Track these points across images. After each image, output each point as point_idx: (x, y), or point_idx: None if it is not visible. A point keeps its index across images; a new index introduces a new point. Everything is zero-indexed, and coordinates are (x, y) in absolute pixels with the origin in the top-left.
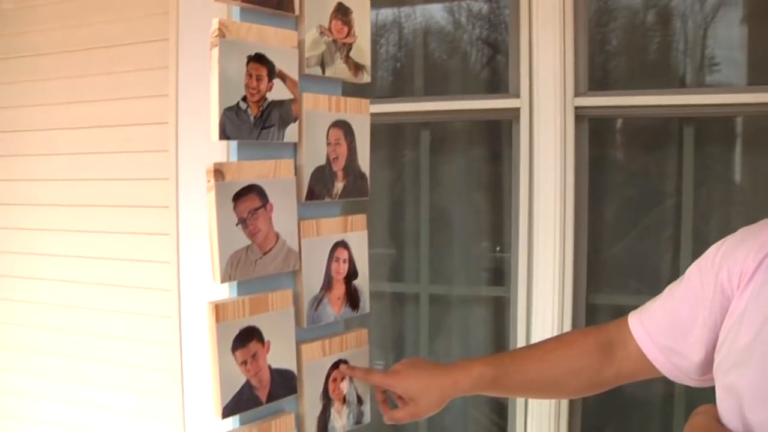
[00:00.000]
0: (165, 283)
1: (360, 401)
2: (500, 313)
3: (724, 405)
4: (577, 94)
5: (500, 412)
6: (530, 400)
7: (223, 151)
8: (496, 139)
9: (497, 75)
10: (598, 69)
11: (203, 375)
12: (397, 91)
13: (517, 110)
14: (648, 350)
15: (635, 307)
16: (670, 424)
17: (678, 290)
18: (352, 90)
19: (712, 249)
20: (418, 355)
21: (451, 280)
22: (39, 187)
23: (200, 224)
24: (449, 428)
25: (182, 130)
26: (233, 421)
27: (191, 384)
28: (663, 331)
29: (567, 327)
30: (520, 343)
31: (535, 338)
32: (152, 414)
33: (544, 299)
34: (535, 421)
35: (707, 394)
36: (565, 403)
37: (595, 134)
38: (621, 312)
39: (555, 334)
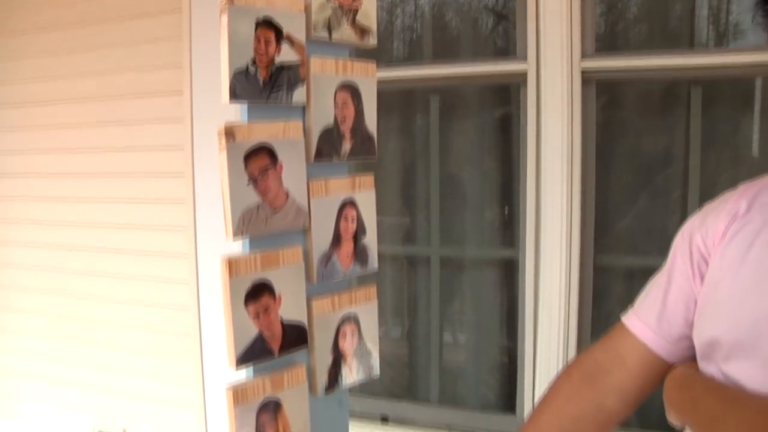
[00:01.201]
0: (182, 249)
1: (370, 355)
2: (510, 274)
3: (701, 361)
4: (584, 56)
5: (511, 377)
6: (538, 368)
7: (236, 119)
8: (505, 104)
9: (508, 43)
10: (614, 36)
11: (220, 337)
12: (407, 59)
13: (524, 74)
14: (654, 343)
15: (643, 269)
16: None
17: (663, 278)
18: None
19: (682, 228)
20: (430, 316)
21: (461, 242)
22: (59, 158)
23: (216, 190)
24: (460, 395)
25: (197, 99)
26: (247, 372)
27: (209, 346)
28: (663, 320)
29: (574, 288)
30: (529, 304)
31: (543, 299)
32: (172, 376)
33: (551, 260)
34: (543, 376)
35: None
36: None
37: (602, 97)
38: (629, 273)
39: (562, 295)
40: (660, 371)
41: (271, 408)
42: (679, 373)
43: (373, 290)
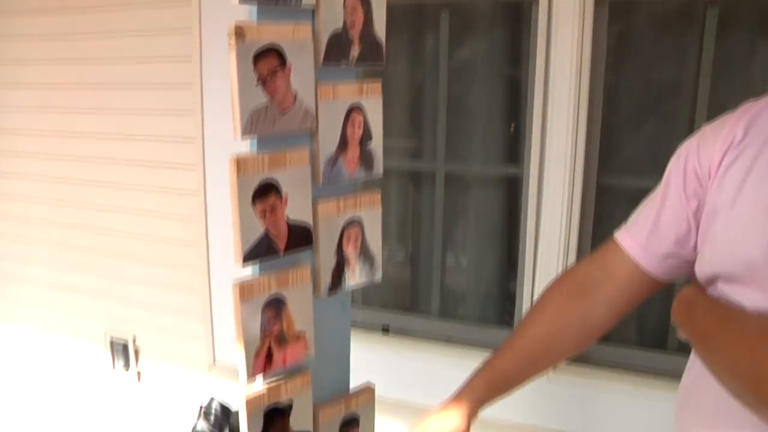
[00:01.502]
0: (191, 160)
1: (372, 260)
2: (513, 192)
3: (706, 284)
4: None
5: (510, 293)
6: (537, 284)
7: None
8: (516, 22)
9: None
10: None
11: (226, 246)
12: None
13: None
14: (643, 260)
15: (643, 189)
16: None
17: (657, 197)
18: None
19: (679, 149)
20: (434, 232)
21: (466, 158)
22: (67, 70)
23: (225, 100)
24: (460, 309)
25: (205, 10)
26: (253, 269)
27: (216, 255)
28: (654, 237)
29: (576, 207)
30: (531, 221)
31: (545, 216)
32: (181, 285)
33: (555, 179)
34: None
35: None
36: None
37: (614, 24)
38: (630, 194)
39: (564, 213)
40: (647, 286)
41: (275, 305)
42: (684, 293)
43: (377, 196)
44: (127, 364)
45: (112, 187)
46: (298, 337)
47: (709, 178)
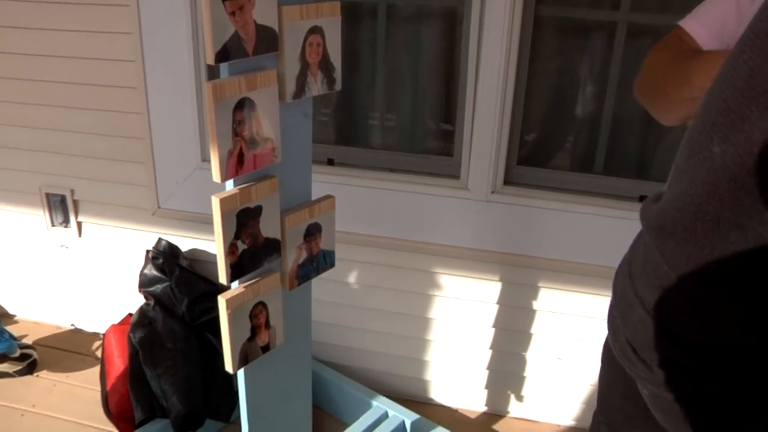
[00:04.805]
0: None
1: (333, 69)
2: (455, 26)
3: None
4: None
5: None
6: (476, 116)
7: None
8: None
9: None
10: None
11: (165, 90)
12: None
13: None
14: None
15: (581, 20)
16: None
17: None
18: None
19: None
20: (376, 66)
21: None
22: None
23: None
24: (402, 141)
25: None
26: (222, 69)
27: (155, 99)
28: (722, 26)
29: (515, 39)
30: (472, 55)
31: (485, 47)
32: (119, 132)
33: (496, 9)
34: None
35: None
36: (508, 116)
37: None
38: (567, 24)
39: (504, 44)
40: None
41: (245, 108)
42: None
43: (337, 5)
44: (66, 220)
45: (44, 30)
46: (267, 140)
47: None
